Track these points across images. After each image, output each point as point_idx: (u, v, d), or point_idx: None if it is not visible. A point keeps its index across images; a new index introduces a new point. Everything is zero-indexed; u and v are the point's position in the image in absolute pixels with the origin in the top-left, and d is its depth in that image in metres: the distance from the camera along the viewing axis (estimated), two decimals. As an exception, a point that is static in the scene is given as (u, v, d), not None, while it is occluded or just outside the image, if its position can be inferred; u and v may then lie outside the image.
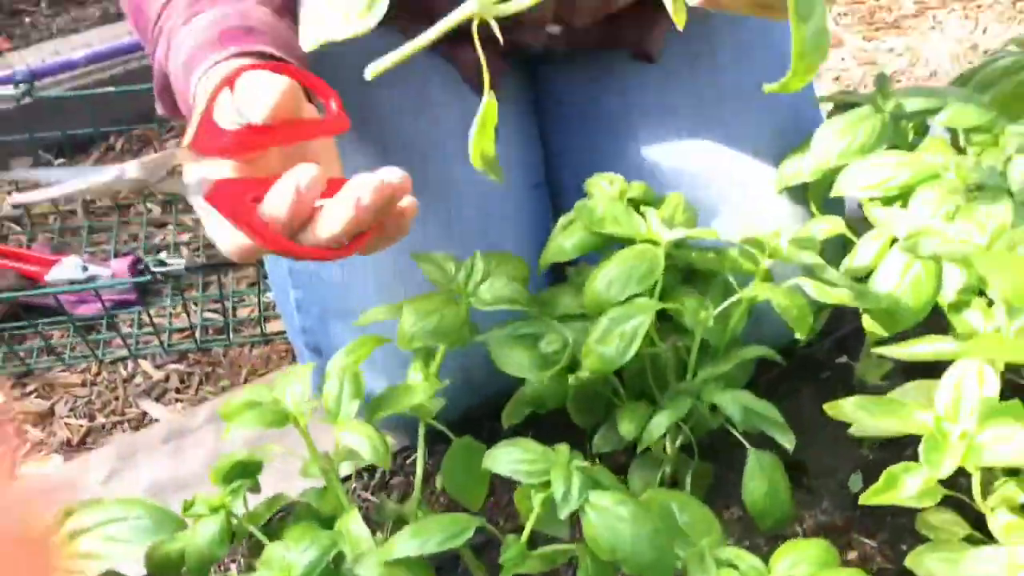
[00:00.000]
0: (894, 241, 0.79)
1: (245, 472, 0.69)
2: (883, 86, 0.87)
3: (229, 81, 0.61)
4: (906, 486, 0.65)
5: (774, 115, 0.96)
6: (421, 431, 0.76)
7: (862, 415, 0.70)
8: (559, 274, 0.91)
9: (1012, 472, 0.70)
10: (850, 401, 0.71)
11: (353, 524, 0.66)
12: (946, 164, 0.78)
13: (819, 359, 1.11)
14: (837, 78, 1.82)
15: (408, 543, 0.63)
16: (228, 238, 0.62)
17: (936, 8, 1.98)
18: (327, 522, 0.69)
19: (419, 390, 0.72)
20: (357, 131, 0.88)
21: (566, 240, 0.81)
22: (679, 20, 0.57)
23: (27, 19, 1.82)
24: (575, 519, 0.69)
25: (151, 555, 0.67)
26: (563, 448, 0.69)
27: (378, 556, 0.63)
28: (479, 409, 0.91)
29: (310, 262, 0.87)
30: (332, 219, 0.59)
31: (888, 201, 0.80)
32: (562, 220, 0.84)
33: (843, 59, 1.86)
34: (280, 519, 0.73)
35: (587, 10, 0.92)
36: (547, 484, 0.67)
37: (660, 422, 0.79)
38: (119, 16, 1.81)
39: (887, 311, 0.75)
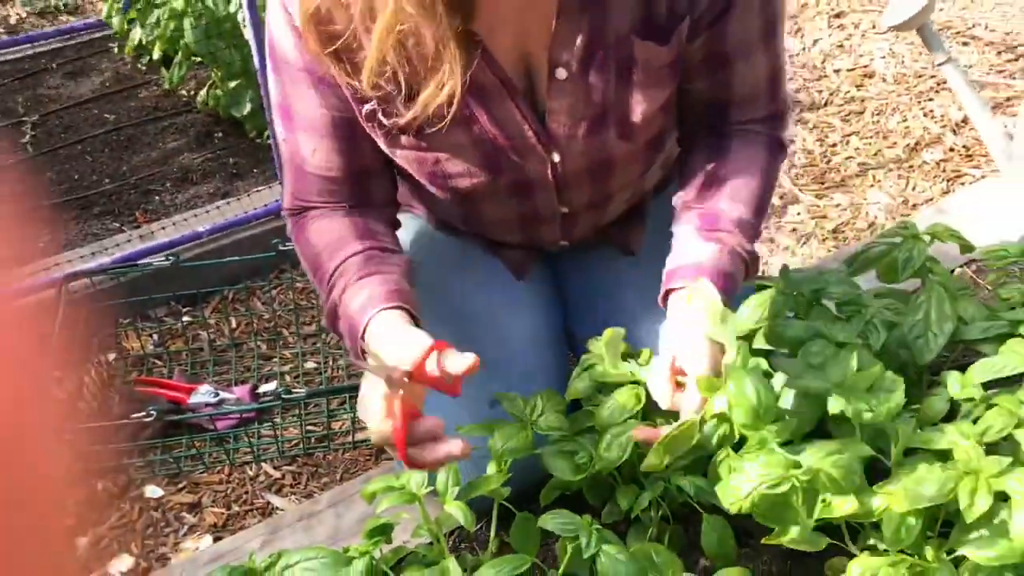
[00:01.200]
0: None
1: (383, 531, 1.12)
2: (785, 274, 1.32)
3: (437, 347, 1.03)
4: (790, 532, 1.06)
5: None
6: (496, 506, 1.19)
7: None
8: (576, 401, 1.34)
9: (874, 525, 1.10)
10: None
11: (451, 564, 1.08)
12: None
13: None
14: (794, 230, 2.27)
15: (488, 571, 1.05)
16: (377, 428, 1.03)
17: (875, 169, 2.44)
18: (433, 564, 1.11)
19: (495, 480, 1.15)
20: (436, 304, 1.34)
21: (580, 384, 1.25)
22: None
23: (156, 197, 2.32)
24: (592, 564, 1.11)
25: None
26: (587, 517, 1.11)
27: (469, 580, 1.05)
28: (522, 491, 1.33)
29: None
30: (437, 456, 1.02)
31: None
32: (576, 370, 1.28)
33: (799, 213, 2.31)
34: (402, 563, 1.15)
35: (583, 231, 1.38)
36: (576, 538, 1.09)
37: (644, 497, 1.21)
38: (226, 194, 2.30)
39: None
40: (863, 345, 1.25)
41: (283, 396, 1.64)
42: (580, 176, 1.26)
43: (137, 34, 2.68)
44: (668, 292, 1.22)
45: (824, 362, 1.22)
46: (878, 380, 1.16)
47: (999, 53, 2.89)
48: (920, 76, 2.79)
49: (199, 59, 2.41)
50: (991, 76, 2.77)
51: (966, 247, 1.49)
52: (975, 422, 1.15)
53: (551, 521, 1.10)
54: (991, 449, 1.11)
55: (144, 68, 2.84)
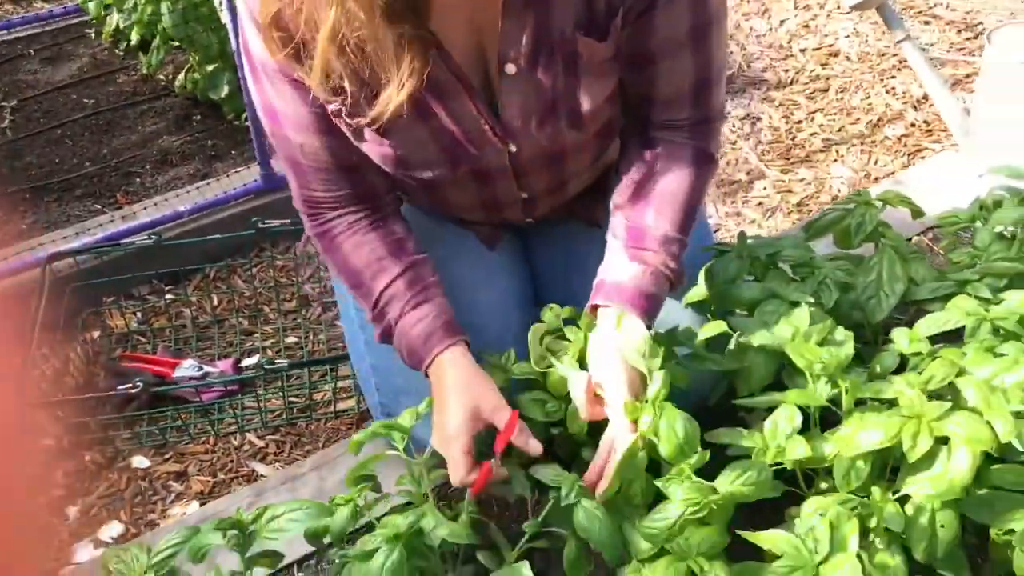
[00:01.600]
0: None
1: (368, 479, 1.18)
2: (742, 240, 1.38)
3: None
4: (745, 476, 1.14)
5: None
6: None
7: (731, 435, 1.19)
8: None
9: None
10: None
11: (432, 507, 1.15)
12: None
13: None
14: (760, 203, 2.34)
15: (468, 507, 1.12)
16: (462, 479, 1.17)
17: (839, 144, 2.52)
18: (416, 510, 1.18)
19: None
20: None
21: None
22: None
23: (137, 179, 2.36)
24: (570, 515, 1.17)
25: (308, 530, 1.15)
26: (574, 474, 1.18)
27: (448, 525, 1.12)
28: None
29: (386, 363, 1.38)
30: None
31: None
32: (537, 329, 1.34)
33: (764, 188, 2.38)
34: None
35: (545, 210, 1.44)
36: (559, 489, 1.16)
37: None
38: (205, 175, 2.34)
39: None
40: (816, 304, 1.33)
41: (266, 367, 1.69)
42: (536, 164, 1.32)
43: (114, 19, 2.71)
44: (595, 305, 1.29)
45: (778, 320, 1.29)
46: (829, 334, 1.23)
47: (959, 32, 2.97)
48: (883, 54, 2.86)
49: (176, 43, 2.44)
50: (951, 54, 2.85)
51: (917, 212, 1.57)
52: (921, 373, 1.23)
53: (542, 472, 1.17)
54: (935, 397, 1.18)
55: (121, 53, 2.87)
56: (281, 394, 1.81)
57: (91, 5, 2.67)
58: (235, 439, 1.77)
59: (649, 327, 1.26)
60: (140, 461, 1.74)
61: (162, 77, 2.71)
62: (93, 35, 2.94)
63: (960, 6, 3.11)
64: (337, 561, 1.17)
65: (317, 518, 1.14)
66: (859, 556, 1.06)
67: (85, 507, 1.65)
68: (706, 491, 1.11)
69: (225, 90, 2.44)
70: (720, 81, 1.28)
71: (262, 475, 1.69)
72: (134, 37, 2.60)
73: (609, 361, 1.22)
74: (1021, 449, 1.11)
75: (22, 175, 2.39)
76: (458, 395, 1.22)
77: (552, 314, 1.32)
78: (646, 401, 1.19)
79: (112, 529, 1.61)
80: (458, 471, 1.20)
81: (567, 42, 1.17)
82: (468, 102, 1.20)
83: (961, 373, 1.21)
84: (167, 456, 1.75)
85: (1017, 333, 1.27)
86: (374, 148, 1.25)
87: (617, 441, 1.20)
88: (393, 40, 1.04)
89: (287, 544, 1.20)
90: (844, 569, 1.02)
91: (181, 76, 2.56)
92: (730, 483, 1.12)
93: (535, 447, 1.20)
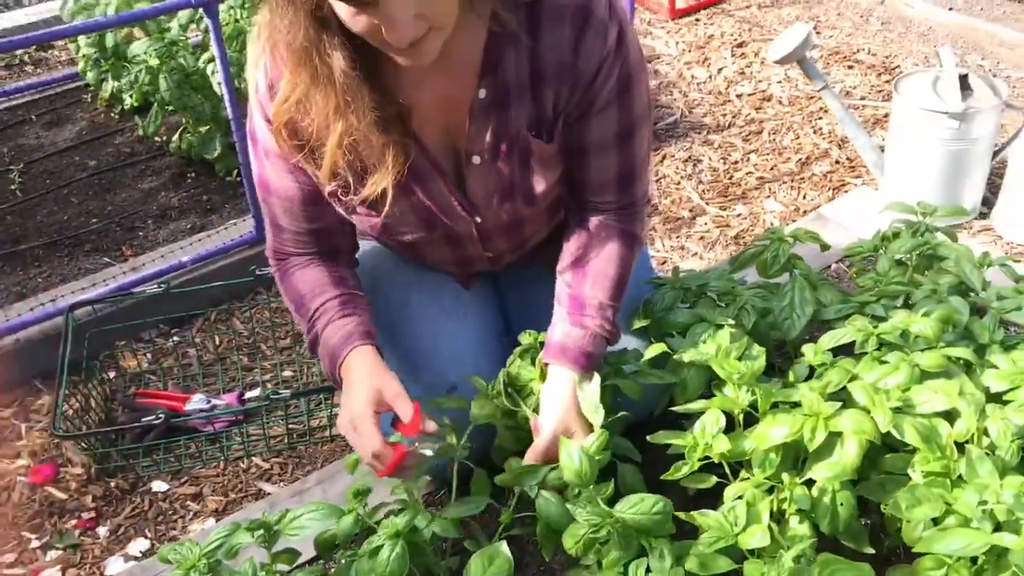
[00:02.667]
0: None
1: (365, 492, 1.42)
2: (676, 274, 1.66)
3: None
4: (683, 470, 1.39)
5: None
6: (455, 467, 1.50)
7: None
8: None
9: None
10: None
11: (420, 507, 1.39)
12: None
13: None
14: (701, 238, 2.62)
15: (453, 510, 1.36)
16: (375, 450, 1.39)
17: (771, 182, 2.81)
18: (411, 511, 1.42)
19: (455, 444, 1.47)
20: (396, 312, 1.66)
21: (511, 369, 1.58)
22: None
23: (140, 232, 2.60)
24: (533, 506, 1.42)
25: (318, 538, 1.40)
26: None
27: (437, 519, 1.36)
28: (481, 455, 1.64)
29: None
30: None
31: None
32: (511, 359, 1.60)
33: (705, 224, 2.66)
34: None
35: (507, 259, 1.71)
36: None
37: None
38: (203, 227, 2.59)
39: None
40: (737, 325, 1.60)
41: (271, 397, 1.93)
42: (498, 231, 1.61)
43: (110, 86, 2.95)
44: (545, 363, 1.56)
45: (706, 340, 1.56)
46: (746, 350, 1.50)
47: (879, 75, 3.29)
48: (812, 98, 3.17)
49: (171, 108, 2.69)
50: (870, 97, 3.17)
51: (824, 246, 1.85)
52: (822, 379, 1.50)
53: (507, 477, 1.43)
54: (834, 398, 1.44)
55: (117, 116, 3.12)
56: (283, 421, 2.04)
57: (89, 74, 2.91)
58: (243, 463, 2.00)
59: (591, 378, 1.52)
60: (159, 485, 1.96)
61: (157, 139, 2.95)
62: (89, 99, 3.18)
63: (880, 51, 3.44)
64: (344, 561, 1.42)
65: (330, 518, 1.38)
66: (770, 527, 1.32)
67: (114, 527, 1.87)
68: (604, 515, 1.32)
69: (217, 150, 2.69)
70: (642, 174, 1.56)
71: (268, 493, 1.92)
72: (128, 103, 2.84)
73: (549, 412, 1.51)
74: (899, 437, 1.37)
75: (34, 233, 2.61)
76: (362, 381, 1.45)
77: (531, 338, 1.58)
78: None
79: (139, 545, 1.83)
80: (370, 444, 1.40)
81: (522, 140, 1.45)
82: (442, 184, 1.48)
83: (854, 378, 1.48)
84: (183, 480, 1.97)
85: (899, 344, 1.54)
86: (364, 219, 1.52)
87: (530, 452, 1.51)
88: (382, 143, 1.33)
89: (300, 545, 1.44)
90: (757, 536, 1.28)
91: (176, 137, 2.80)
92: (626, 510, 1.33)
93: (431, 426, 1.44)
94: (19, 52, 3.66)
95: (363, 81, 1.28)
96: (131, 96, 2.80)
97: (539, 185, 1.50)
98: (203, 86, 2.61)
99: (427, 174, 1.47)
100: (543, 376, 1.55)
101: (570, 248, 1.60)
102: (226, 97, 2.21)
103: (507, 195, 1.51)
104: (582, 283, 1.57)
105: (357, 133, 1.30)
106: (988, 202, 2.56)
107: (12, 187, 2.81)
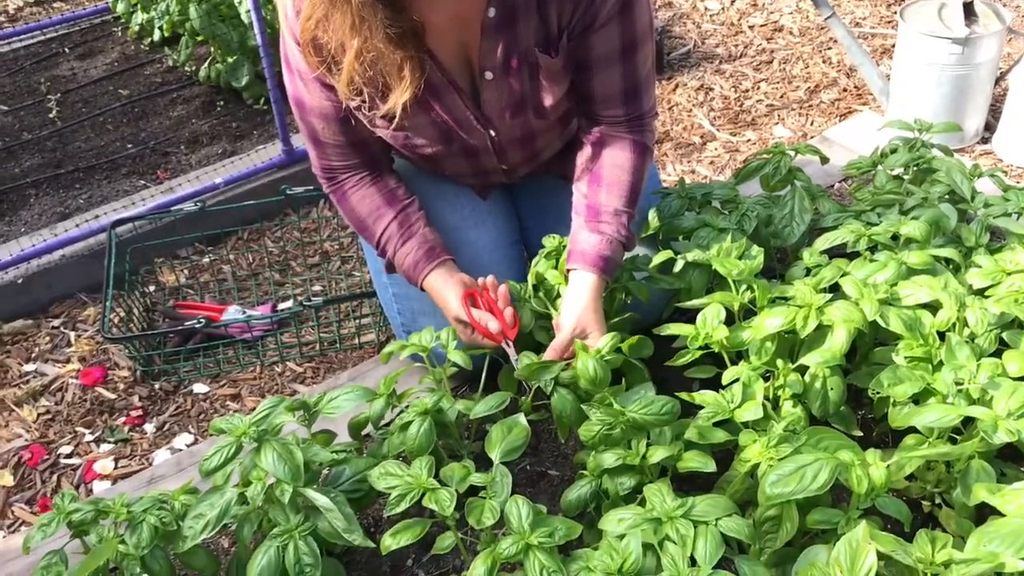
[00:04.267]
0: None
1: (395, 380, 1.56)
2: (682, 184, 1.77)
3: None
4: (685, 357, 1.52)
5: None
6: (487, 360, 1.64)
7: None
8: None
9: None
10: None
11: (447, 394, 1.53)
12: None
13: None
14: (711, 162, 2.71)
15: (480, 406, 1.50)
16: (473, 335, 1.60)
17: (780, 109, 2.89)
18: (437, 394, 1.56)
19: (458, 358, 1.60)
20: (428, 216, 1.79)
21: (536, 269, 1.70)
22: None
23: (173, 157, 2.72)
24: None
25: (351, 422, 1.54)
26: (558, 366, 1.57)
27: (461, 400, 1.50)
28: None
29: (404, 290, 1.76)
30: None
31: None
32: (535, 259, 1.72)
33: (715, 149, 2.76)
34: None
35: (522, 171, 1.82)
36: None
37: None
38: (232, 152, 2.71)
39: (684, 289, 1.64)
40: (738, 229, 1.71)
41: (304, 304, 2.07)
42: (512, 144, 1.72)
43: (139, 18, 3.06)
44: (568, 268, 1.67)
45: (708, 243, 1.67)
46: (745, 250, 1.62)
47: (888, 6, 3.35)
48: (822, 29, 3.24)
49: (200, 38, 2.79)
50: (880, 27, 3.23)
51: (823, 159, 1.96)
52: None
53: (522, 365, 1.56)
54: (826, 294, 1.56)
55: (147, 48, 3.23)
56: (314, 329, 2.18)
57: (120, 6, 3.01)
58: (278, 367, 2.14)
59: (608, 281, 1.65)
60: (200, 387, 2.11)
61: (186, 69, 3.06)
62: (119, 32, 3.29)
63: (890, -17, 3.49)
64: (376, 438, 1.56)
65: (364, 398, 1.52)
66: (764, 406, 1.45)
67: (159, 423, 2.02)
68: (616, 414, 1.44)
69: (245, 79, 2.80)
70: (648, 88, 1.66)
71: (301, 395, 2.06)
72: (157, 34, 2.94)
73: (568, 313, 1.63)
74: (884, 325, 1.49)
75: (74, 157, 2.74)
76: (447, 289, 1.66)
77: (555, 241, 1.72)
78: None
79: (184, 439, 1.98)
80: (473, 330, 1.63)
81: (530, 55, 1.55)
82: (457, 99, 1.59)
83: (845, 275, 1.59)
84: (222, 383, 2.12)
85: (889, 245, 1.65)
86: (386, 133, 1.63)
87: (548, 351, 1.62)
88: (398, 58, 1.44)
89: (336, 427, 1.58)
90: (751, 411, 1.41)
91: (205, 67, 2.91)
92: (635, 409, 1.44)
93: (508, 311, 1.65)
94: (48, -12, 3.76)
95: None
96: (161, 27, 2.91)
97: (548, 98, 1.61)
98: (231, 16, 2.71)
99: (444, 89, 1.58)
100: (566, 280, 1.67)
101: (583, 160, 1.70)
102: (255, 26, 2.31)
103: (519, 108, 1.62)
104: (597, 192, 1.68)
105: (374, 49, 1.41)
106: (991, 127, 2.65)
107: (51, 115, 2.93)
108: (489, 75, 1.57)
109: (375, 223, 1.72)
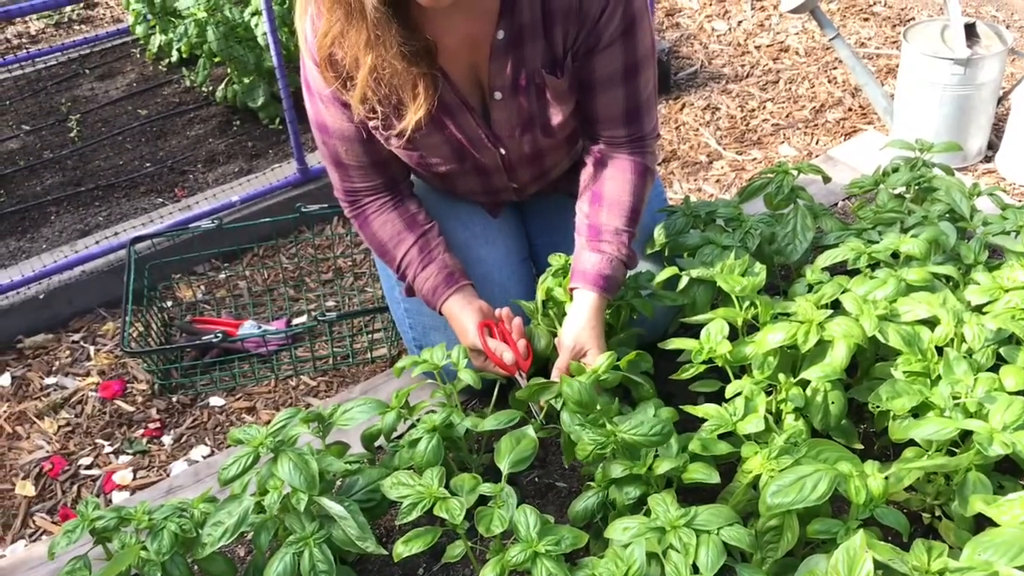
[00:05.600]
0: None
1: (407, 394, 1.60)
2: (687, 202, 1.81)
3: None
4: (690, 370, 1.56)
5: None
6: (497, 383, 1.68)
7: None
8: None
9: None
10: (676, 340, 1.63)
11: (457, 409, 1.57)
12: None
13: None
14: (718, 180, 2.76)
15: (490, 421, 1.54)
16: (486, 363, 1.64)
17: (786, 128, 2.94)
18: (447, 410, 1.60)
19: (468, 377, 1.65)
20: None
21: (545, 286, 1.74)
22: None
23: (191, 176, 2.79)
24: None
25: (364, 434, 1.58)
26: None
27: (470, 417, 1.54)
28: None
29: (416, 306, 1.81)
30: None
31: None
32: (543, 277, 1.76)
33: (722, 167, 2.80)
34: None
35: (531, 188, 1.87)
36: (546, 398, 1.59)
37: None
38: (248, 171, 2.77)
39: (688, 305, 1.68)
40: (742, 247, 1.76)
41: (319, 319, 2.12)
42: (521, 162, 1.77)
43: (157, 40, 3.13)
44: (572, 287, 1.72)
45: (712, 260, 1.72)
46: (748, 267, 1.66)
47: (894, 27, 3.40)
48: (827, 49, 3.29)
49: (217, 59, 2.86)
50: (884, 47, 3.28)
51: (825, 178, 2.00)
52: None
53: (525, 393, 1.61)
54: (827, 310, 1.60)
55: (164, 69, 3.30)
56: (328, 344, 2.23)
57: (139, 28, 3.08)
58: (292, 381, 2.19)
59: (610, 299, 1.69)
60: (216, 400, 2.16)
61: (204, 89, 3.13)
62: (137, 53, 3.36)
63: (895, 3, 3.54)
64: (388, 450, 1.60)
65: (376, 410, 1.57)
66: (766, 419, 1.49)
67: (177, 436, 2.07)
68: (608, 435, 1.46)
69: (261, 99, 2.86)
70: (650, 110, 1.71)
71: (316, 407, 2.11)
72: (177, 55, 3.01)
73: (567, 332, 1.67)
74: (883, 341, 1.53)
75: (93, 176, 2.81)
76: (465, 316, 1.70)
77: (561, 260, 1.76)
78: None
79: (200, 451, 2.03)
80: (487, 359, 1.67)
81: (537, 76, 1.61)
82: (470, 118, 1.64)
83: (846, 291, 1.64)
84: (238, 396, 2.17)
85: (889, 263, 1.69)
86: (402, 151, 1.69)
87: (553, 372, 1.67)
88: (412, 76, 1.49)
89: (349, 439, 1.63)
90: (753, 423, 1.45)
91: (221, 88, 2.98)
92: (626, 430, 1.46)
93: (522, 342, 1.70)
94: (67, 10, 3.85)
95: (392, 17, 1.44)
96: (179, 49, 2.98)
97: (555, 117, 1.66)
98: (247, 38, 2.78)
99: (457, 109, 1.63)
100: (571, 299, 1.72)
101: (586, 180, 1.75)
102: (272, 47, 2.37)
103: (527, 127, 1.67)
104: (598, 212, 1.72)
105: (388, 65, 1.46)
106: (994, 146, 2.69)
107: (71, 135, 3.00)
108: (499, 95, 1.62)
109: (396, 248, 1.77)
